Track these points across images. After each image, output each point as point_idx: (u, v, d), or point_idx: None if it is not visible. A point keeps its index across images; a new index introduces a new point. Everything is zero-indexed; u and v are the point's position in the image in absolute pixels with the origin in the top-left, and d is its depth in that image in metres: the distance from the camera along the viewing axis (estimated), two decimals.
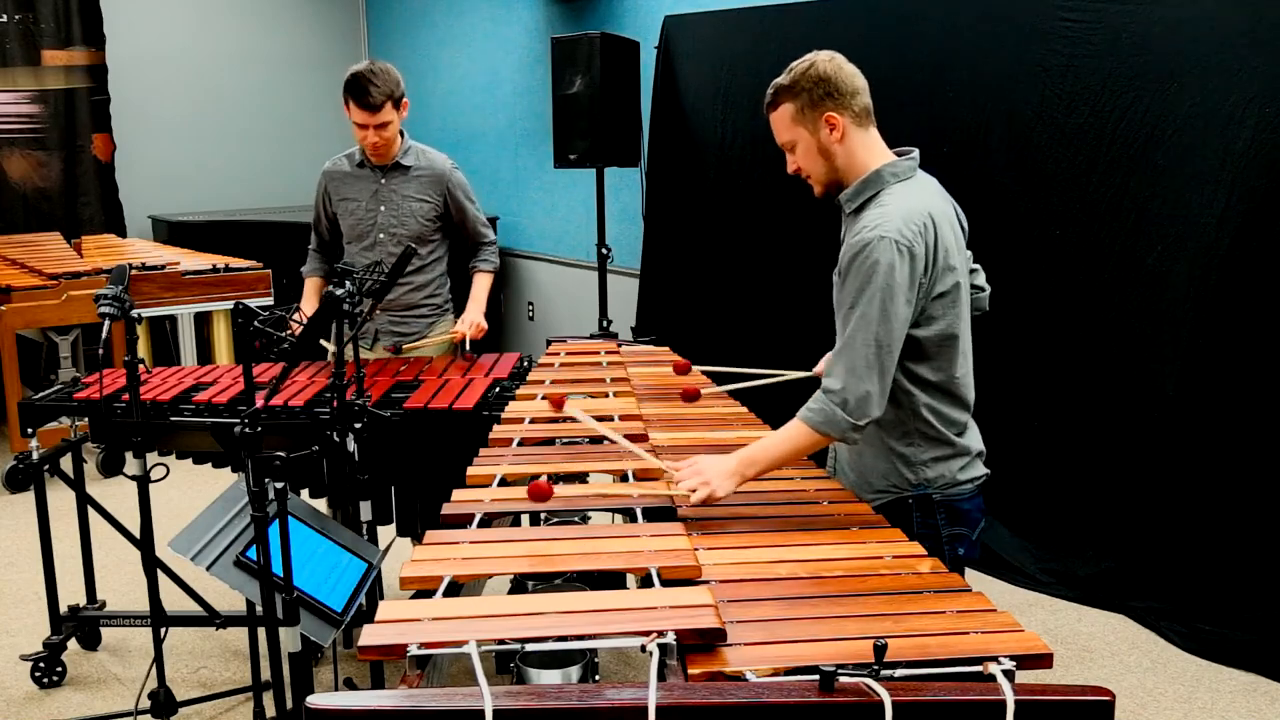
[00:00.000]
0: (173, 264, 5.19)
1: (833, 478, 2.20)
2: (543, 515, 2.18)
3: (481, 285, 3.50)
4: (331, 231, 3.51)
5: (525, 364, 3.43)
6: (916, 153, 2.09)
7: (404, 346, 3.46)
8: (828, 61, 2.02)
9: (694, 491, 1.93)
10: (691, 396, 2.72)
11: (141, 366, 2.62)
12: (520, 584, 2.00)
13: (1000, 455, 2.21)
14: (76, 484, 3.22)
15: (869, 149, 2.05)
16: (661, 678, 1.33)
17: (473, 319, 3.40)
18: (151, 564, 2.66)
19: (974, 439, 2.13)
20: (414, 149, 3.40)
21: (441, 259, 3.51)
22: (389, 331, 3.48)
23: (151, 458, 2.67)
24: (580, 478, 2.33)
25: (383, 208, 3.36)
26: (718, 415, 2.57)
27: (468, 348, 3.38)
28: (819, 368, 2.50)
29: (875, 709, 1.21)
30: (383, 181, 3.36)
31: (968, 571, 2.14)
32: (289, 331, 2.45)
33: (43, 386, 3.32)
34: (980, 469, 2.13)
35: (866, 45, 4.06)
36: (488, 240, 3.56)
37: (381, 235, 3.37)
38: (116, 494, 3.79)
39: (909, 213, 1.95)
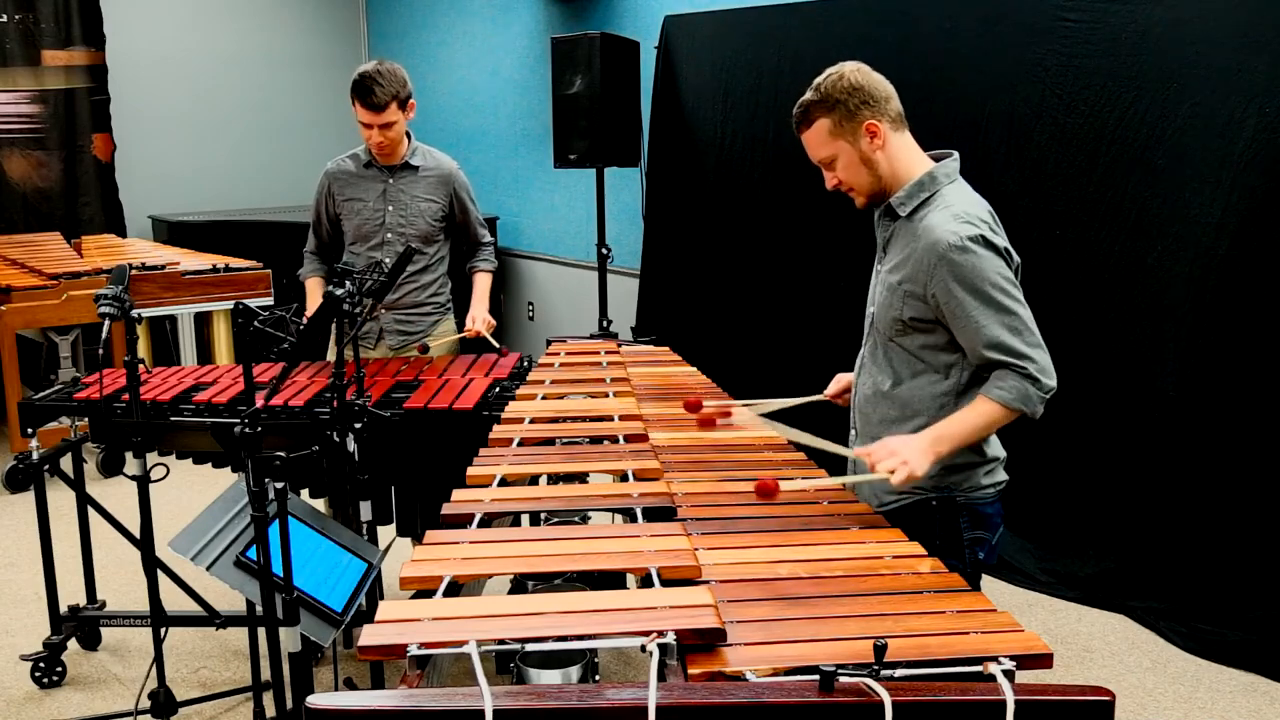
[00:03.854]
0: (173, 264, 5.19)
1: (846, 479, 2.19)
2: (543, 515, 2.18)
3: (483, 283, 3.54)
4: (332, 234, 3.51)
5: (525, 364, 3.43)
6: (957, 155, 2.09)
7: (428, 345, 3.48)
8: (856, 71, 2.02)
9: (893, 473, 1.91)
10: (702, 418, 2.62)
11: (141, 366, 2.62)
12: (520, 584, 2.00)
13: None
14: (76, 484, 3.22)
15: (909, 153, 2.06)
16: (661, 678, 1.33)
17: (483, 315, 3.42)
18: (151, 564, 2.66)
19: (998, 445, 2.14)
20: (421, 149, 3.42)
21: (444, 258, 3.53)
22: (395, 331, 3.48)
23: (151, 458, 2.67)
24: (580, 478, 2.33)
25: (390, 207, 3.37)
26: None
27: (496, 344, 3.40)
28: (830, 391, 2.48)
29: (875, 709, 1.21)
30: (390, 181, 3.37)
31: None
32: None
33: (43, 386, 3.32)
34: (1002, 474, 2.13)
35: (866, 45, 4.06)
36: (486, 240, 3.60)
37: (390, 235, 3.37)
38: (116, 494, 3.78)
39: (979, 211, 1.99)
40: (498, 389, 3.10)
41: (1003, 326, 1.94)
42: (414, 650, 1.36)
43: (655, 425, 2.47)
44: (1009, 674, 1.30)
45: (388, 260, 3.23)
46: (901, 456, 1.92)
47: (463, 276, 3.59)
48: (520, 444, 2.35)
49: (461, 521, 1.88)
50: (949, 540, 2.05)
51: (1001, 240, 1.99)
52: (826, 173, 2.09)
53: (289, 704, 2.35)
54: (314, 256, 3.55)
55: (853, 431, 2.27)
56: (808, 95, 2.04)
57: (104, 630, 3.45)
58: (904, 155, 2.05)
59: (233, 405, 3.01)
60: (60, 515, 3.62)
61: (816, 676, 1.25)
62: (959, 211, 1.97)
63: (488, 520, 1.90)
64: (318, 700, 1.21)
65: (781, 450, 2.30)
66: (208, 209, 7.10)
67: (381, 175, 3.38)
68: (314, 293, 3.47)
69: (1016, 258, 2.03)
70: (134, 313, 2.48)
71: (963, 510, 2.08)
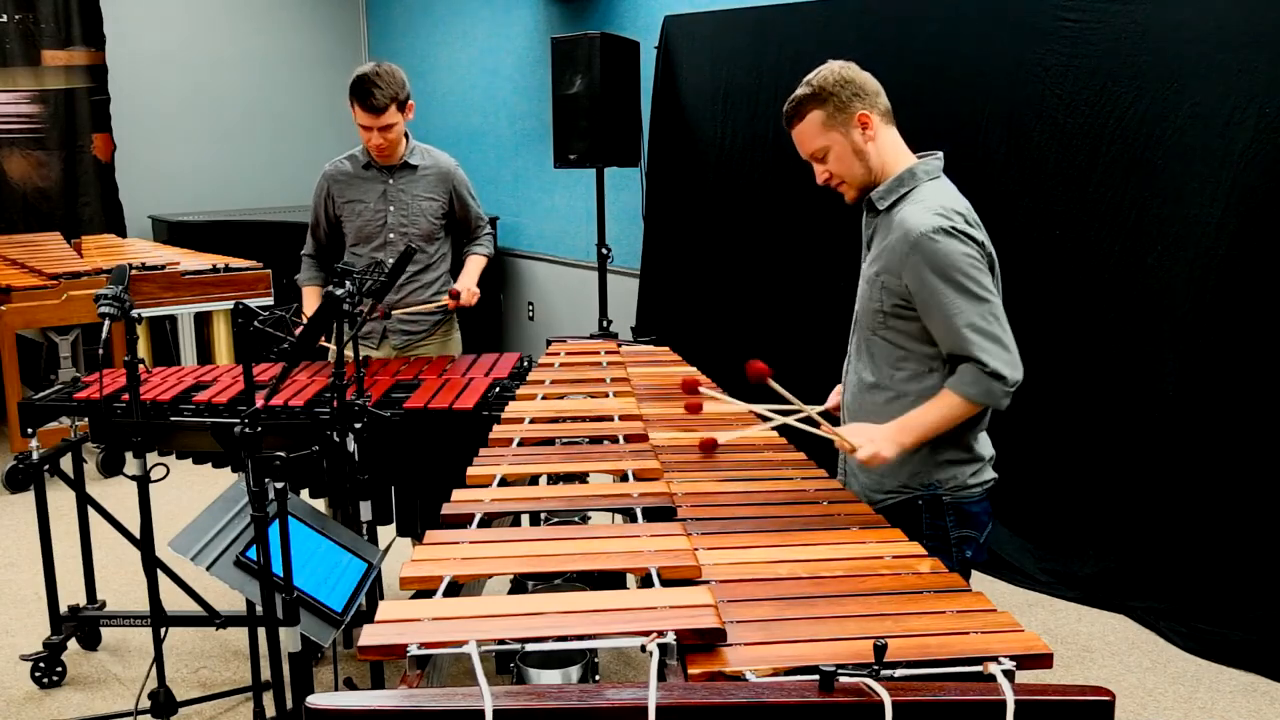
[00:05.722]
0: (173, 264, 5.19)
1: (836, 478, 2.20)
2: (543, 515, 2.18)
3: (473, 263, 3.53)
4: (330, 235, 3.51)
5: (525, 364, 3.43)
6: (941, 155, 2.13)
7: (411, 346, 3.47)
8: (845, 66, 2.08)
9: (859, 448, 1.99)
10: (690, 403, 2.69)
11: (141, 366, 2.62)
12: (520, 584, 2.00)
13: (1001, 455, 2.22)
14: (76, 484, 3.22)
15: (896, 148, 2.11)
16: (661, 678, 1.33)
17: (464, 284, 3.41)
18: (151, 564, 2.66)
19: (986, 444, 2.15)
20: (419, 149, 3.42)
21: (446, 256, 3.53)
22: (398, 330, 3.48)
23: (151, 458, 2.67)
24: (580, 478, 2.33)
25: (392, 208, 3.37)
26: (717, 415, 2.57)
27: (453, 303, 3.37)
28: (831, 401, 2.47)
29: (875, 709, 1.21)
30: (390, 182, 3.37)
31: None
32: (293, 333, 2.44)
33: (43, 386, 3.32)
34: (990, 474, 2.14)
35: (866, 45, 4.06)
36: (485, 231, 3.60)
37: (392, 235, 3.38)
38: (116, 494, 3.79)
39: (953, 204, 2.02)
40: (498, 389, 3.10)
41: (976, 314, 1.97)
42: (414, 650, 1.36)
43: (655, 425, 2.47)
44: (1009, 674, 1.30)
45: (390, 260, 3.23)
46: (871, 436, 2.00)
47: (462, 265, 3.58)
48: (520, 444, 2.35)
49: (461, 521, 1.88)
50: (935, 539, 2.06)
51: (977, 233, 2.02)
52: (817, 167, 2.14)
53: (289, 704, 2.35)
54: (311, 261, 3.55)
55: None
56: (799, 90, 2.10)
57: (104, 630, 3.45)
58: (892, 149, 2.10)
59: (233, 405, 3.01)
60: (60, 515, 3.62)
61: (816, 676, 1.25)
62: (933, 204, 2.01)
63: (488, 520, 1.90)
64: (318, 700, 1.21)
65: (782, 450, 2.31)
66: (208, 209, 7.10)
67: (381, 176, 3.37)
68: (310, 300, 3.48)
69: (993, 252, 2.06)
70: (134, 313, 2.48)
71: (949, 509, 2.10)
